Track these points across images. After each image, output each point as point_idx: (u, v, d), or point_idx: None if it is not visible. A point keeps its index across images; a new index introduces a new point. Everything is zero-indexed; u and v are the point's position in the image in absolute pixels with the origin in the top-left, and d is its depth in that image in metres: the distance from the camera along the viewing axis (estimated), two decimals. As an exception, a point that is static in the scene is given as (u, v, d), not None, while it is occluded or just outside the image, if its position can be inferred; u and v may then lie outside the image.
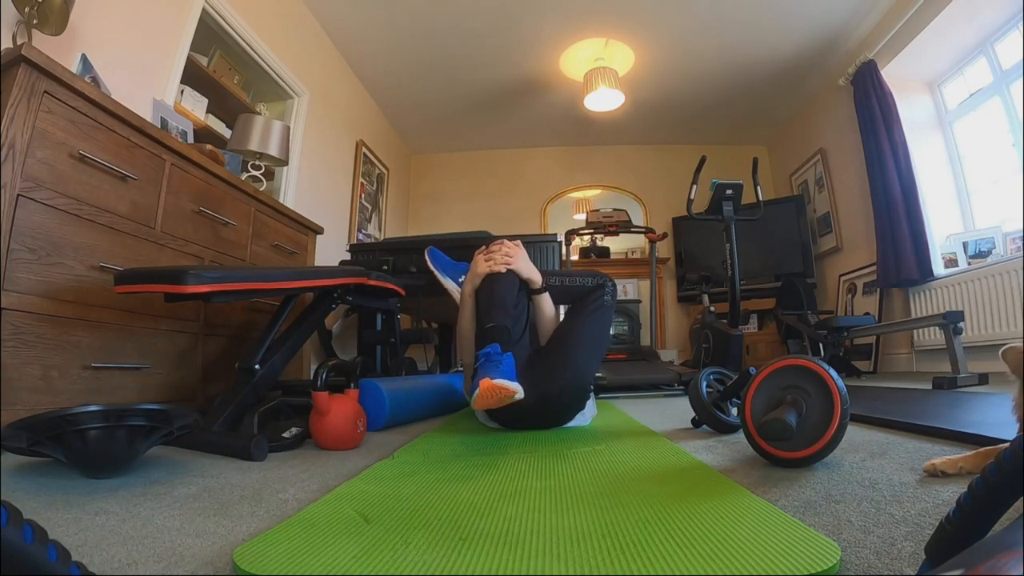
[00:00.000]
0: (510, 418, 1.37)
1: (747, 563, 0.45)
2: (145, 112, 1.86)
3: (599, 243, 4.90)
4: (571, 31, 3.47)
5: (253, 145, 2.24)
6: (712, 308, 3.14)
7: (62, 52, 1.60)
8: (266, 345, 1.36)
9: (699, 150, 3.56)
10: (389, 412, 1.46)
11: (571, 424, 1.41)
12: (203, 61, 2.49)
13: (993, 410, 1.26)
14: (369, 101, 4.22)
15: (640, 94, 4.16)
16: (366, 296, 1.88)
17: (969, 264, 2.91)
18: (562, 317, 1.49)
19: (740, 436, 1.15)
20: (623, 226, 3.61)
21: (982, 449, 0.73)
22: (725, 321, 2.86)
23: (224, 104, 2.62)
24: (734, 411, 1.23)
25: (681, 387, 2.61)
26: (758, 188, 2.94)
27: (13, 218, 1.11)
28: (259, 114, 2.57)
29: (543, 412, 1.35)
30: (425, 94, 4.22)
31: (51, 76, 1.17)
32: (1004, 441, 0.81)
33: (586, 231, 3.71)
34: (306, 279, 1.46)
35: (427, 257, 1.67)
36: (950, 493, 0.63)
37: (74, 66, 1.65)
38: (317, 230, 2.44)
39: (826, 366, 0.83)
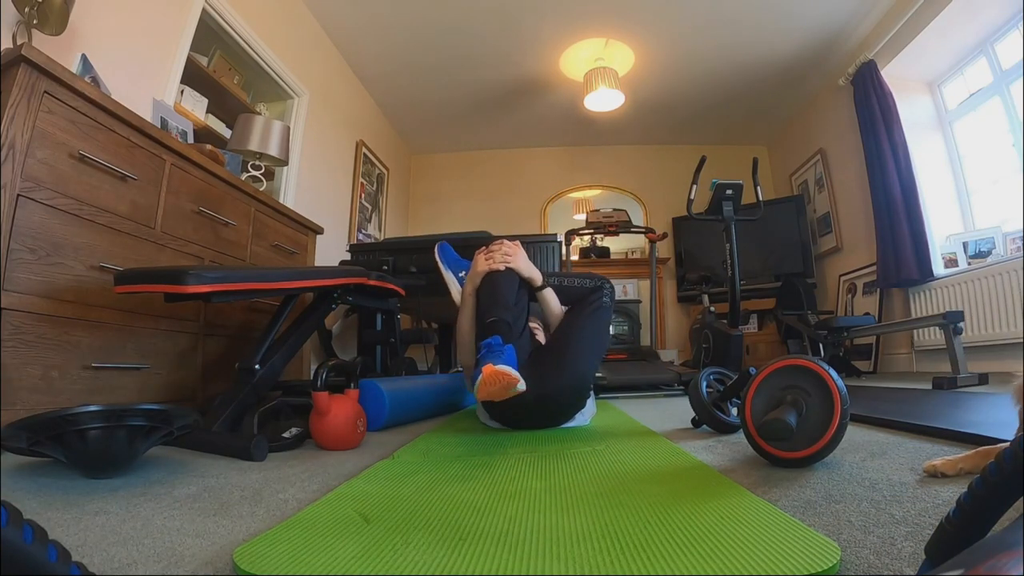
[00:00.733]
0: (511, 416, 1.38)
1: (747, 563, 0.45)
2: (145, 112, 1.86)
3: (599, 243, 4.90)
4: (571, 31, 3.47)
5: (253, 145, 2.24)
6: (712, 308, 3.14)
7: (62, 52, 1.60)
8: (266, 345, 1.36)
9: (699, 150, 3.56)
10: (389, 412, 1.46)
11: (571, 424, 1.41)
12: (203, 61, 2.49)
13: (993, 410, 1.26)
14: (369, 101, 4.22)
15: (640, 94, 4.16)
16: (366, 296, 1.88)
17: (969, 264, 2.91)
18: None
19: (740, 436, 1.15)
20: (623, 226, 3.61)
21: (981, 449, 0.73)
22: (725, 321, 2.86)
23: (224, 104, 2.61)
24: (734, 411, 1.23)
25: (681, 387, 2.61)
26: (758, 188, 2.94)
27: (13, 218, 1.11)
28: (259, 114, 2.57)
29: (543, 411, 1.36)
30: (425, 94, 4.22)
31: (51, 76, 1.17)
32: (1004, 441, 0.81)
33: (586, 231, 3.71)
34: (306, 279, 1.46)
35: (436, 250, 1.67)
36: (950, 493, 0.63)
37: (74, 66, 1.65)
38: (317, 230, 2.44)
39: (826, 366, 0.83)
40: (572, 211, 5.22)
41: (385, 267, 2.50)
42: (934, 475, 0.71)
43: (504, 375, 1.05)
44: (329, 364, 1.16)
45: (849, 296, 3.85)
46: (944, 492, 0.64)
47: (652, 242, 3.56)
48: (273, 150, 2.28)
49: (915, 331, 3.10)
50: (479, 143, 5.11)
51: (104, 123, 1.33)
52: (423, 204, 5.24)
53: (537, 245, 2.76)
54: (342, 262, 2.72)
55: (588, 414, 1.46)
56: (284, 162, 2.42)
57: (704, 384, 1.22)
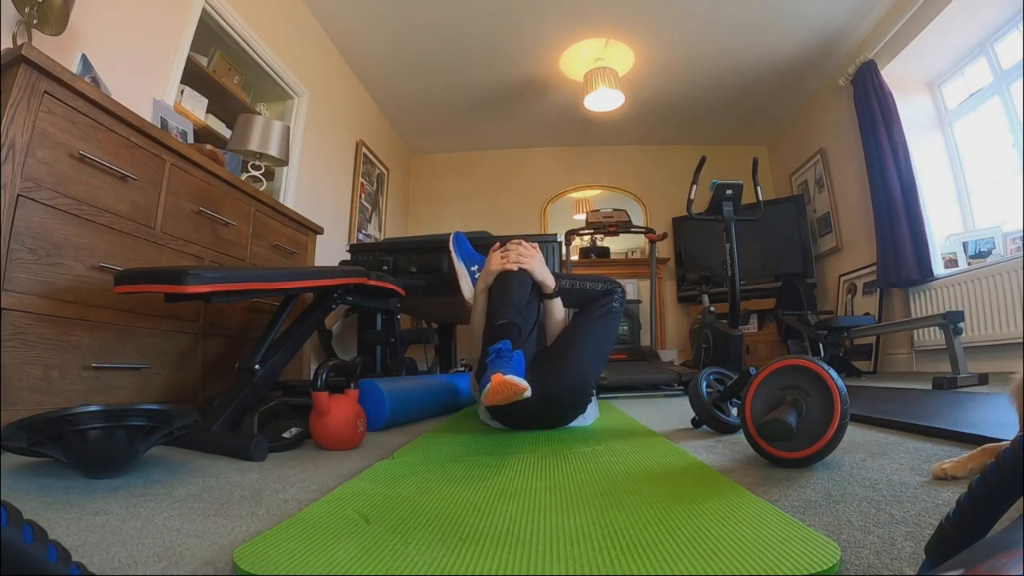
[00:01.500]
0: (513, 418, 1.37)
1: (747, 563, 0.45)
2: (145, 112, 1.86)
3: (599, 243, 4.90)
4: (571, 31, 3.47)
5: (253, 145, 2.24)
6: (712, 308, 3.14)
7: (62, 52, 1.60)
8: (266, 345, 1.36)
9: (699, 150, 3.56)
10: (389, 412, 1.46)
11: (572, 424, 1.41)
12: (203, 61, 2.49)
13: (993, 410, 1.26)
14: (369, 101, 4.22)
15: (640, 94, 4.16)
16: (366, 296, 1.88)
17: (969, 264, 2.91)
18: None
19: (740, 436, 1.15)
20: (623, 226, 3.61)
21: (987, 446, 0.73)
22: (725, 321, 2.86)
23: (224, 104, 2.62)
24: (734, 411, 1.23)
25: (681, 387, 2.61)
26: (758, 188, 2.94)
27: (13, 218, 1.11)
28: (259, 114, 2.57)
29: (545, 412, 1.35)
30: (425, 94, 4.22)
31: (51, 76, 1.17)
32: (1005, 440, 0.81)
33: (586, 231, 3.71)
34: (306, 279, 1.46)
35: (451, 240, 1.67)
36: (950, 493, 0.63)
37: (74, 66, 1.65)
38: (317, 230, 2.44)
39: (826, 366, 0.83)
40: (572, 211, 5.22)
41: (385, 267, 2.50)
42: (943, 478, 0.70)
43: (511, 385, 1.03)
44: (329, 364, 1.16)
45: (849, 296, 3.85)
46: (944, 492, 0.64)
47: (652, 242, 3.56)
48: (273, 150, 2.28)
49: (915, 331, 3.10)
50: (479, 143, 5.11)
51: (104, 123, 1.33)
52: (423, 204, 5.24)
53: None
54: (342, 262, 2.72)
55: (591, 416, 1.46)
56: (284, 162, 2.42)
57: (704, 384, 1.22)
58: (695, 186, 2.93)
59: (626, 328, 4.50)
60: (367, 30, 3.42)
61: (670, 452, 1.00)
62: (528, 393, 1.07)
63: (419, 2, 3.16)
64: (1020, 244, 2.66)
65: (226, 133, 2.46)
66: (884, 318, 3.42)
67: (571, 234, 3.58)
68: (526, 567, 0.47)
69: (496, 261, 1.36)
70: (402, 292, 2.04)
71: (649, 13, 3.29)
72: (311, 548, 0.52)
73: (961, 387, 2.02)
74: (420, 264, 2.37)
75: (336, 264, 2.87)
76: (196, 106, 2.38)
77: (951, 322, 2.20)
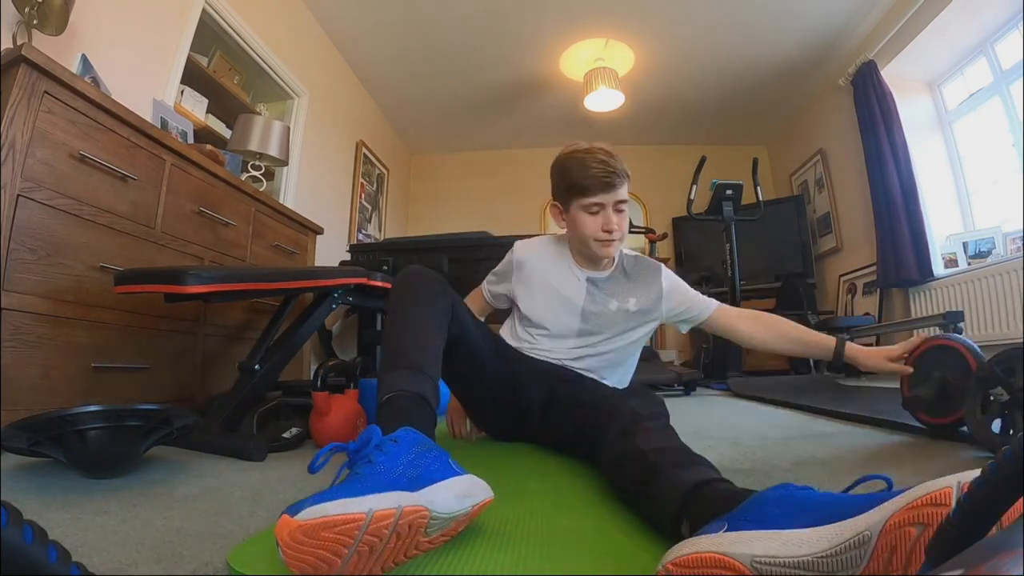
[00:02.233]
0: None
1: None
2: (145, 112, 1.86)
3: (599, 243, 4.90)
4: (571, 31, 3.47)
5: (253, 145, 2.24)
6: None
7: (62, 52, 1.60)
8: (266, 345, 1.36)
9: (699, 150, 3.56)
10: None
11: None
12: (203, 61, 2.49)
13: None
14: (369, 101, 4.22)
15: (640, 94, 4.16)
16: (366, 296, 1.88)
17: (969, 264, 2.90)
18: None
19: (742, 436, 1.15)
20: (623, 226, 3.60)
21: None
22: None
23: (224, 104, 2.61)
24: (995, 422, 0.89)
25: (681, 387, 2.61)
26: (758, 188, 2.95)
27: (13, 218, 1.11)
28: (259, 114, 2.57)
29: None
30: (425, 94, 4.22)
31: (51, 76, 1.17)
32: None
33: (586, 231, 3.70)
34: (306, 279, 1.46)
35: None
36: (950, 493, 0.63)
37: (74, 66, 1.65)
38: (317, 230, 2.44)
39: (969, 343, 0.95)
40: (572, 211, 5.22)
41: (385, 267, 2.50)
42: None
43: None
44: (329, 364, 1.16)
45: (849, 296, 3.85)
46: (944, 492, 0.64)
47: (652, 242, 3.56)
48: (273, 150, 2.28)
49: (915, 331, 3.10)
50: (479, 143, 5.11)
51: (104, 123, 1.33)
52: (423, 204, 5.23)
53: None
54: (342, 262, 2.72)
55: None
56: (284, 162, 2.42)
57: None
58: (695, 186, 2.93)
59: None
60: (367, 30, 3.42)
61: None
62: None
63: (419, 2, 3.16)
64: (1020, 244, 2.66)
65: (226, 133, 2.46)
66: (884, 318, 3.42)
67: (571, 234, 3.57)
68: (525, 567, 0.47)
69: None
70: (402, 292, 2.03)
71: (649, 13, 3.28)
72: (311, 548, 0.51)
73: (961, 387, 2.02)
74: (420, 264, 2.37)
75: (336, 264, 2.87)
76: (196, 106, 2.38)
77: (951, 322, 2.19)
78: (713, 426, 1.39)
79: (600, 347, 1.09)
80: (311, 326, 1.55)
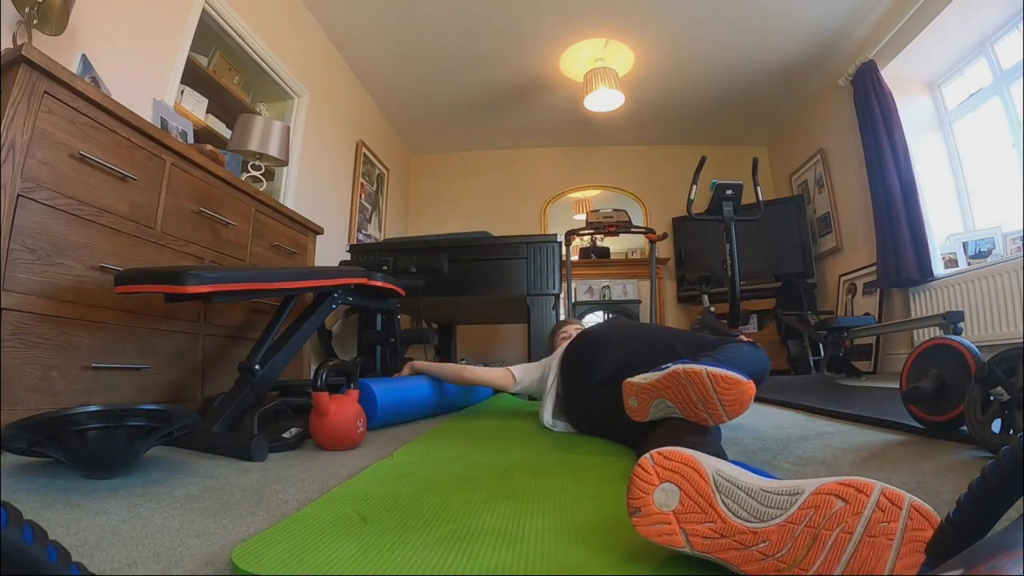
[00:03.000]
0: (595, 412, 1.24)
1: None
2: (145, 112, 1.86)
3: (599, 243, 4.90)
4: (571, 31, 3.47)
5: (253, 145, 2.24)
6: (712, 308, 3.14)
7: (62, 52, 1.60)
8: (266, 345, 1.36)
9: (699, 150, 3.56)
10: (380, 412, 1.46)
11: None
12: (203, 61, 2.49)
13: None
14: (369, 101, 4.22)
15: (640, 94, 4.16)
16: (366, 296, 1.88)
17: (969, 264, 2.91)
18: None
19: (742, 436, 1.15)
20: (623, 226, 3.60)
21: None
22: (725, 321, 2.85)
23: (224, 104, 2.62)
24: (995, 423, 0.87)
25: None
26: (758, 188, 2.94)
27: (13, 218, 1.11)
28: (259, 114, 2.57)
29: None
30: (425, 94, 4.22)
31: (51, 76, 1.17)
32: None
33: (586, 231, 3.71)
34: (306, 279, 1.46)
35: None
36: (950, 493, 0.63)
37: (74, 66, 1.65)
38: (317, 230, 2.44)
39: (967, 343, 0.96)
40: (572, 211, 5.22)
41: (385, 267, 2.50)
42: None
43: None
44: (329, 364, 1.16)
45: (849, 296, 3.85)
46: (944, 492, 0.64)
47: (652, 242, 3.55)
48: (273, 150, 2.28)
49: (915, 331, 3.10)
50: (479, 143, 5.11)
51: (104, 123, 1.33)
52: (423, 204, 5.24)
53: (537, 245, 2.76)
54: (342, 262, 2.72)
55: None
56: (284, 162, 2.42)
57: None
58: (695, 186, 2.93)
59: (626, 328, 4.49)
60: (367, 30, 3.42)
61: (670, 452, 0.99)
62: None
63: (420, 2, 3.16)
64: (1020, 244, 2.66)
65: (226, 133, 2.46)
66: (884, 318, 3.42)
67: (571, 234, 3.57)
68: (523, 567, 0.47)
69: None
70: (402, 292, 2.04)
71: (649, 13, 3.29)
72: (309, 547, 0.52)
73: (961, 387, 2.02)
74: (420, 264, 2.36)
75: (336, 264, 2.87)
76: (196, 106, 2.38)
77: (951, 322, 2.20)
78: (713, 426, 1.39)
79: None
80: (311, 326, 1.56)
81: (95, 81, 1.66)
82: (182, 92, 2.29)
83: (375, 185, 4.33)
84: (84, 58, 1.67)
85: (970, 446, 0.90)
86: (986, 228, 2.94)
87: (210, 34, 2.47)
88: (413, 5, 3.18)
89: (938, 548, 0.38)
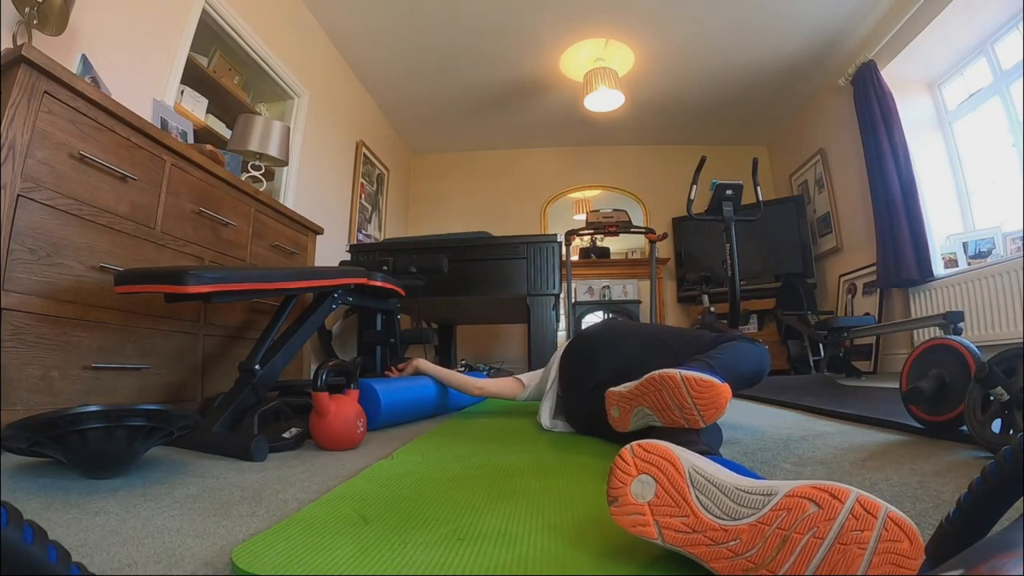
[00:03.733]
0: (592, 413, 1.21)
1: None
2: (145, 112, 1.86)
3: (599, 243, 4.91)
4: (571, 31, 3.47)
5: (253, 145, 2.24)
6: (712, 308, 3.14)
7: (62, 52, 1.60)
8: (266, 345, 1.36)
9: (699, 150, 3.56)
10: (384, 412, 1.46)
11: None
12: (203, 61, 2.49)
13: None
14: (369, 101, 4.22)
15: (640, 94, 4.16)
16: (366, 297, 1.88)
17: (969, 264, 2.91)
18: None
19: (742, 436, 1.15)
20: (623, 226, 3.60)
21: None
22: (725, 321, 2.85)
23: (224, 104, 2.62)
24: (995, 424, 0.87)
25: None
26: (758, 188, 2.94)
27: (13, 218, 1.11)
28: (259, 114, 2.57)
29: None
30: (425, 94, 4.22)
31: (51, 76, 1.17)
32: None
33: (586, 231, 3.70)
34: (306, 279, 1.46)
35: None
36: (950, 493, 0.63)
37: (74, 66, 1.65)
38: (317, 230, 2.44)
39: (967, 343, 0.97)
40: (572, 211, 5.22)
41: (385, 267, 2.49)
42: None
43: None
44: (329, 364, 1.16)
45: (849, 296, 3.85)
46: (944, 492, 0.64)
47: (652, 242, 3.55)
48: (273, 150, 2.28)
49: (915, 331, 3.09)
50: (479, 143, 5.11)
51: (104, 123, 1.33)
52: (423, 204, 5.24)
53: (537, 246, 2.76)
54: (342, 262, 2.72)
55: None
56: (284, 162, 2.42)
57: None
58: (695, 186, 2.93)
59: (626, 328, 4.49)
60: (367, 30, 3.42)
61: (670, 452, 0.99)
62: None
63: (420, 2, 3.16)
64: (1020, 244, 2.66)
65: (226, 133, 2.46)
66: (884, 318, 3.42)
67: (571, 234, 3.57)
68: (523, 567, 0.47)
69: None
70: (402, 292, 2.04)
71: (649, 13, 3.29)
72: (309, 548, 0.52)
73: (961, 387, 2.02)
74: (420, 264, 2.36)
75: (336, 264, 2.87)
76: (196, 106, 2.38)
77: (951, 322, 2.20)
78: (713, 426, 1.39)
79: None
80: (311, 326, 1.56)
81: (95, 81, 1.66)
82: (182, 92, 2.29)
83: (375, 185, 4.33)
84: (84, 58, 1.67)
85: (970, 446, 0.90)
86: (986, 228, 2.94)
87: (210, 34, 2.47)
88: (413, 5, 3.18)
89: (938, 548, 0.38)
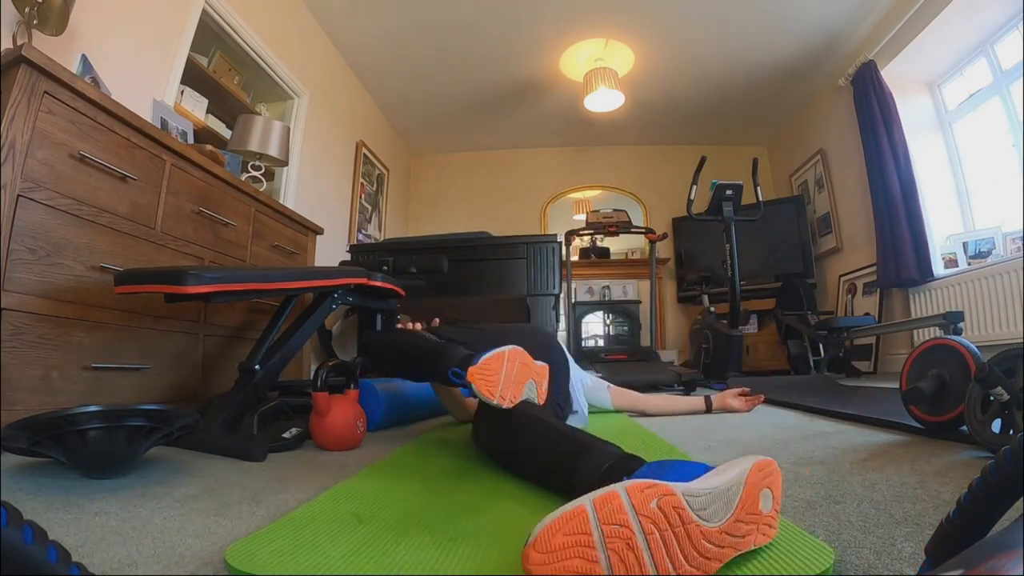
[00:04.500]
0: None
1: (740, 566, 0.45)
2: (145, 112, 1.86)
3: (599, 243, 4.91)
4: (571, 31, 3.47)
5: (253, 145, 2.24)
6: (712, 308, 3.14)
7: (62, 52, 1.60)
8: (266, 346, 1.36)
9: (699, 150, 3.56)
10: (385, 412, 1.46)
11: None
12: (203, 61, 2.49)
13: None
14: (369, 101, 4.22)
15: (640, 95, 4.16)
16: (366, 297, 1.88)
17: (969, 264, 2.90)
18: None
19: (742, 437, 1.15)
20: (623, 227, 3.61)
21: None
22: (725, 322, 2.86)
23: (224, 104, 2.62)
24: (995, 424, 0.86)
25: (681, 387, 2.61)
26: (758, 188, 2.95)
27: (13, 218, 1.10)
28: (259, 114, 2.57)
29: None
30: (425, 94, 4.22)
31: (51, 76, 1.17)
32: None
33: (586, 232, 3.71)
34: (306, 279, 1.46)
35: None
36: (950, 493, 0.63)
37: (74, 66, 1.65)
38: (317, 230, 2.44)
39: (967, 344, 0.97)
40: (572, 211, 5.22)
41: (385, 267, 2.49)
42: None
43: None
44: (329, 364, 1.16)
45: (849, 296, 3.85)
46: (944, 492, 0.64)
47: (652, 242, 3.56)
48: (273, 150, 2.28)
49: (915, 331, 3.09)
50: (479, 143, 5.11)
51: (104, 123, 1.33)
52: (423, 205, 5.24)
53: (537, 246, 2.76)
54: (342, 262, 2.72)
55: (580, 421, 1.42)
56: (284, 162, 2.42)
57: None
58: (695, 186, 2.93)
59: (626, 328, 4.51)
60: (367, 30, 3.42)
61: (666, 452, 0.99)
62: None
63: (420, 2, 3.16)
64: (1020, 244, 2.66)
65: (226, 133, 2.46)
66: (884, 318, 3.42)
67: (571, 234, 3.58)
68: (517, 568, 0.47)
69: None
70: (402, 292, 2.04)
71: (649, 13, 3.29)
72: (302, 546, 0.52)
73: (961, 387, 2.02)
74: (420, 264, 2.36)
75: (336, 264, 2.87)
76: (196, 106, 2.38)
77: (951, 322, 2.19)
78: (713, 426, 1.39)
79: None
80: (311, 326, 1.55)
81: (95, 81, 1.66)
82: (182, 92, 2.29)
83: (375, 185, 4.33)
84: (84, 58, 1.67)
85: (970, 446, 0.90)
86: (986, 228, 2.94)
87: (210, 34, 2.47)
88: (413, 5, 3.18)
89: (938, 548, 0.38)
